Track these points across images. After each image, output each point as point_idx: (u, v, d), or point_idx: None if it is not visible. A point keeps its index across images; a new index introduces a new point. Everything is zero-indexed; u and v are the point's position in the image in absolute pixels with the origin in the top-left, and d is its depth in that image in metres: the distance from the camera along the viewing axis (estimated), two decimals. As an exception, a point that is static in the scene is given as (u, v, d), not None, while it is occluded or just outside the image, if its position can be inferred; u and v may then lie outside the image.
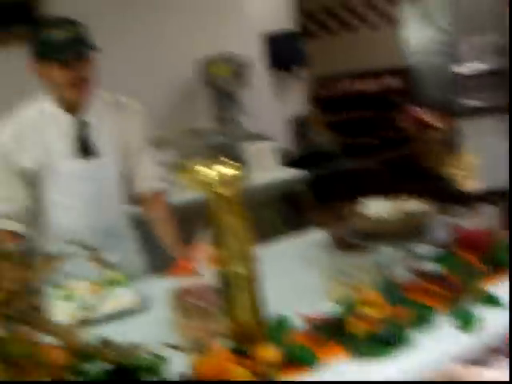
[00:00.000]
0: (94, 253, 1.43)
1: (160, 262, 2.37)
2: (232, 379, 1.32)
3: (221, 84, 3.84)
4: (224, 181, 1.38)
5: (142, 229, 2.45)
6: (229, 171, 1.39)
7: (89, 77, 2.11)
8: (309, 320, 1.52)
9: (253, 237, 1.46)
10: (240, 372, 1.33)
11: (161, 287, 2.13)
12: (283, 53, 4.64)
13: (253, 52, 4.04)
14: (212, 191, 1.39)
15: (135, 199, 2.39)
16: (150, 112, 3.77)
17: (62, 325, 1.19)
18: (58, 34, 2.03)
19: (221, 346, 1.39)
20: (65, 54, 2.03)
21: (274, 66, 4.66)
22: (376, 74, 6.53)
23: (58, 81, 2.08)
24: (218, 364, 1.33)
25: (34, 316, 1.16)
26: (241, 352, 1.41)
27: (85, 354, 1.17)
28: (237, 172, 1.40)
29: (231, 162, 1.41)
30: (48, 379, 1.09)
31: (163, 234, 2.35)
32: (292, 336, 1.45)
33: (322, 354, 1.41)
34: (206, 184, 1.39)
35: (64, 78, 2.06)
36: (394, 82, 6.45)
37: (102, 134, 2.21)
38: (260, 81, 4.36)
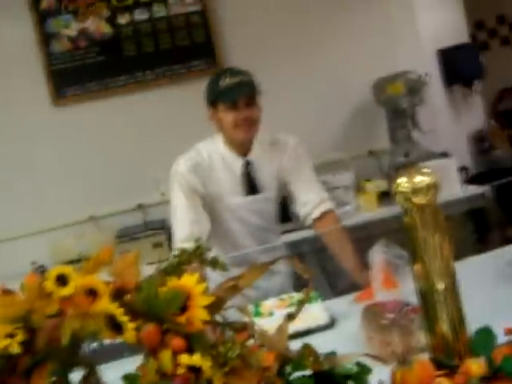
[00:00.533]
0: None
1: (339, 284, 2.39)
2: (437, 391, 1.28)
3: (397, 102, 3.79)
4: (419, 189, 1.35)
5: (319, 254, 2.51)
6: (423, 179, 1.36)
7: (256, 118, 2.33)
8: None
9: (452, 250, 1.42)
10: (444, 383, 1.29)
11: (344, 305, 2.16)
12: (459, 67, 4.48)
13: (428, 68, 3.95)
14: (407, 201, 1.36)
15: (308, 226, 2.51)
16: (326, 134, 3.89)
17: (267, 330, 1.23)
18: (228, 81, 2.26)
19: (423, 359, 1.36)
20: (233, 97, 2.27)
21: (450, 81, 4.52)
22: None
23: (227, 122, 2.29)
24: (421, 376, 1.30)
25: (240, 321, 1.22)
26: (444, 365, 1.36)
27: (290, 358, 1.20)
28: (432, 180, 1.36)
29: (425, 170, 1.37)
30: (257, 381, 1.13)
31: (340, 255, 2.39)
32: (499, 349, 1.38)
33: (532, 370, 1.32)
34: (401, 194, 1.37)
35: (232, 119, 2.29)
36: None
37: (263, 172, 2.43)
38: (437, 97, 4.25)
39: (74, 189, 3.71)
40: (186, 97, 3.59)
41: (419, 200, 1.36)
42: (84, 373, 1.24)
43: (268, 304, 2.06)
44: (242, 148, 2.39)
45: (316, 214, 2.44)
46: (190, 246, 1.18)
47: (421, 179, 1.36)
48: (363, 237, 2.81)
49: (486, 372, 1.31)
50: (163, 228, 3.46)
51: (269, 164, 2.44)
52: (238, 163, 2.40)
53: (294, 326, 1.91)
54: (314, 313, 2.00)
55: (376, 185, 3.74)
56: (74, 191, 3.71)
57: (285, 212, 2.63)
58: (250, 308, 2.02)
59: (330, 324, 2.00)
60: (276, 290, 2.45)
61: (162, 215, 3.50)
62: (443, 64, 4.43)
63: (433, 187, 1.36)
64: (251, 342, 1.21)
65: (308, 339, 1.32)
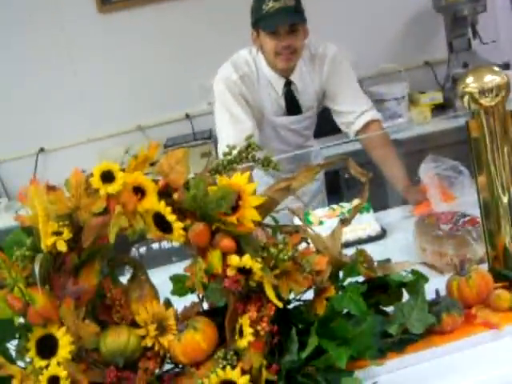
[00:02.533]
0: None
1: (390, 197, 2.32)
2: (495, 300, 1.22)
3: (457, 9, 3.56)
4: (488, 90, 1.25)
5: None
6: (493, 79, 1.25)
7: (298, 46, 2.22)
8: None
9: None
10: (504, 295, 1.23)
11: (397, 217, 2.11)
12: (527, -28, 4.16)
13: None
14: (475, 103, 1.26)
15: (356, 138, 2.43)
16: (380, 43, 3.71)
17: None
18: (272, 6, 2.12)
19: (482, 270, 1.30)
20: (274, 25, 2.15)
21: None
22: None
23: (268, 48, 2.22)
24: (479, 286, 1.25)
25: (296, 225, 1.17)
26: (504, 277, 1.30)
27: (343, 263, 1.15)
28: (502, 80, 1.26)
29: (496, 69, 1.26)
30: (308, 285, 1.10)
31: (385, 166, 2.30)
32: None
33: None
34: (468, 94, 1.27)
35: (273, 46, 2.20)
36: None
37: (304, 90, 2.34)
38: (500, 4, 3.98)
39: (120, 98, 3.66)
40: (231, 2, 3.44)
41: (487, 102, 1.26)
42: (132, 272, 1.22)
43: (318, 213, 2.02)
44: (284, 71, 2.31)
45: (359, 124, 2.34)
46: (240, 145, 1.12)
47: (490, 78, 1.25)
48: (417, 150, 2.72)
49: (550, 285, 1.25)
50: (210, 138, 3.41)
51: (310, 81, 2.35)
52: (280, 83, 2.31)
53: (345, 236, 1.87)
54: (366, 223, 1.96)
55: (431, 97, 3.57)
56: (120, 101, 3.66)
57: (329, 124, 2.53)
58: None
59: (382, 235, 1.96)
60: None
61: (209, 125, 3.43)
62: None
63: (503, 88, 1.26)
64: (303, 245, 1.17)
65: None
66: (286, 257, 1.03)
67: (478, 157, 1.32)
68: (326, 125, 2.59)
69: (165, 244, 2.06)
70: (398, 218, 2.09)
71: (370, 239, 1.93)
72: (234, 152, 1.08)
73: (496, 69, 1.27)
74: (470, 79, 1.26)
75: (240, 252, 1.05)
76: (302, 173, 1.14)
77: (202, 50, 3.60)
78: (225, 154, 1.10)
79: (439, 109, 3.55)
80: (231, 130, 2.21)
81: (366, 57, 3.56)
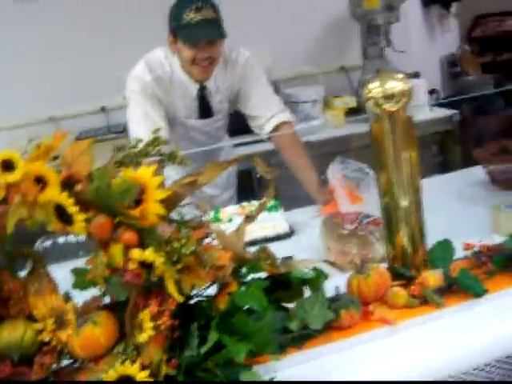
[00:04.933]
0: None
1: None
2: (392, 298, 1.27)
3: (372, 18, 3.68)
4: (390, 95, 1.30)
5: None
6: (396, 85, 1.30)
7: (216, 57, 2.23)
8: (473, 247, 1.43)
9: (418, 166, 1.38)
10: (400, 293, 1.28)
11: (305, 216, 2.15)
12: (438, -14, 4.36)
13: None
14: (378, 107, 1.31)
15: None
16: (298, 47, 3.77)
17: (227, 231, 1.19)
18: (193, 17, 2.10)
19: (381, 268, 1.35)
20: (194, 38, 2.14)
21: (428, 1, 4.41)
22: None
23: (185, 57, 2.21)
24: (377, 283, 1.29)
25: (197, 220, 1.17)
26: (401, 276, 1.36)
27: (246, 259, 1.17)
28: (405, 86, 1.31)
29: (399, 76, 1.31)
30: (210, 280, 1.10)
31: (296, 167, 2.34)
32: (456, 263, 1.37)
33: (488, 285, 1.32)
34: (372, 99, 1.31)
35: (191, 56, 2.19)
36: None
37: (217, 94, 2.36)
38: (413, 16, 4.14)
39: (32, 87, 3.54)
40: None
41: (390, 107, 1.30)
42: (31, 266, 1.19)
43: (227, 210, 2.03)
44: (200, 79, 2.31)
45: (270, 126, 2.36)
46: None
47: (393, 85, 1.30)
48: (329, 152, 2.78)
49: (442, 284, 1.31)
50: (124, 131, 3.36)
51: (222, 85, 2.36)
52: (194, 87, 2.31)
53: (253, 234, 1.90)
54: (274, 221, 1.98)
55: (345, 101, 3.68)
56: (32, 90, 3.54)
57: (242, 125, 2.55)
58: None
59: (290, 233, 1.99)
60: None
61: (124, 119, 3.37)
62: (423, -18, 4.31)
63: (405, 94, 1.31)
64: (208, 240, 1.17)
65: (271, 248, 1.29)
66: (188, 251, 1.03)
67: (380, 160, 1.37)
68: (244, 123, 2.60)
69: (71, 238, 2.01)
70: (306, 217, 2.12)
71: (278, 237, 1.96)
72: (140, 145, 1.07)
73: (399, 75, 1.32)
74: (373, 84, 1.31)
75: (143, 246, 1.05)
76: (208, 168, 1.14)
77: (119, 42, 3.53)
78: (131, 147, 1.09)
79: (353, 113, 3.65)
80: (142, 128, 2.18)
81: (283, 59, 3.62)
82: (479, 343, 1.22)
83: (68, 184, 1.05)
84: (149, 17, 3.27)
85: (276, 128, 2.37)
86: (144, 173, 1.05)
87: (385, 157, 1.36)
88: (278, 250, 1.31)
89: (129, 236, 1.04)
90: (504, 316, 1.27)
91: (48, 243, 2.00)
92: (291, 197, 2.30)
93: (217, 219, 1.96)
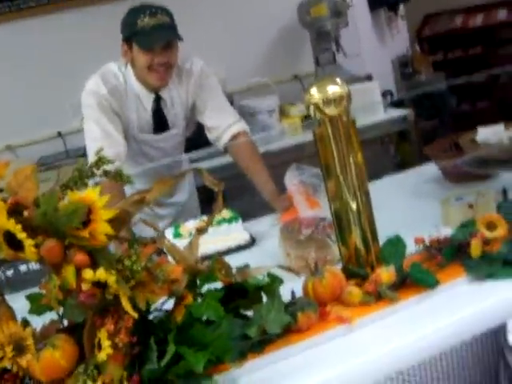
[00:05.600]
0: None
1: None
2: (347, 297, 1.30)
3: (321, 25, 3.74)
4: (330, 100, 1.33)
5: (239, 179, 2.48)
6: (335, 90, 1.34)
7: (173, 62, 2.22)
8: (423, 242, 1.47)
9: (364, 167, 1.41)
10: (355, 292, 1.31)
11: (266, 226, 2.17)
12: (384, -10, 4.46)
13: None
14: (319, 112, 1.35)
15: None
16: (249, 58, 3.81)
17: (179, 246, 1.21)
18: (147, 22, 2.10)
19: (335, 269, 1.38)
20: (150, 42, 2.13)
21: (375, 5, 4.49)
22: (483, 8, 6.13)
23: (141, 64, 2.19)
24: (331, 284, 1.32)
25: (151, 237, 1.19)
26: (355, 275, 1.39)
27: (200, 271, 1.18)
28: (344, 90, 1.35)
29: (338, 80, 1.35)
30: (164, 294, 1.12)
31: (254, 178, 2.36)
32: (409, 258, 1.41)
33: (440, 276, 1.36)
34: (313, 105, 1.35)
35: (147, 63, 2.18)
36: (502, 15, 6.03)
37: (172, 105, 2.34)
38: (361, 20, 4.22)
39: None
40: (103, 19, 3.41)
41: (331, 111, 1.34)
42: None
43: (188, 225, 2.04)
44: (156, 87, 2.29)
45: (226, 137, 2.37)
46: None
47: (333, 90, 1.34)
48: (289, 160, 2.81)
49: (395, 279, 1.34)
50: (84, 155, 3.35)
51: (177, 96, 2.35)
52: (149, 98, 2.29)
53: (215, 246, 1.92)
54: (235, 233, 2.00)
55: (300, 109, 3.71)
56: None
57: (200, 138, 2.56)
58: (167, 227, 2.00)
59: (251, 243, 2.01)
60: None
61: (83, 142, 3.37)
62: (368, -14, 4.39)
63: (345, 98, 1.35)
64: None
65: (228, 258, 1.32)
66: (139, 268, 1.05)
67: (327, 164, 1.40)
68: (202, 137, 2.61)
69: (33, 265, 2.00)
70: (266, 226, 2.15)
71: (240, 248, 1.98)
72: (85, 167, 1.09)
73: (338, 80, 1.36)
74: (314, 90, 1.34)
75: (95, 266, 1.06)
76: (156, 185, 1.16)
77: (73, 66, 3.53)
78: (76, 169, 1.10)
79: (309, 119, 3.68)
80: (100, 144, 2.17)
81: (235, 72, 3.65)
82: (434, 334, 1.26)
83: (15, 210, 1.06)
84: (101, 43, 3.28)
85: (233, 138, 2.38)
86: (90, 193, 1.06)
87: (330, 161, 1.39)
88: (241, 259, 1.34)
89: (80, 257, 1.05)
90: (456, 304, 1.31)
91: (9, 272, 1.99)
92: (251, 207, 2.33)
93: (178, 234, 1.97)
